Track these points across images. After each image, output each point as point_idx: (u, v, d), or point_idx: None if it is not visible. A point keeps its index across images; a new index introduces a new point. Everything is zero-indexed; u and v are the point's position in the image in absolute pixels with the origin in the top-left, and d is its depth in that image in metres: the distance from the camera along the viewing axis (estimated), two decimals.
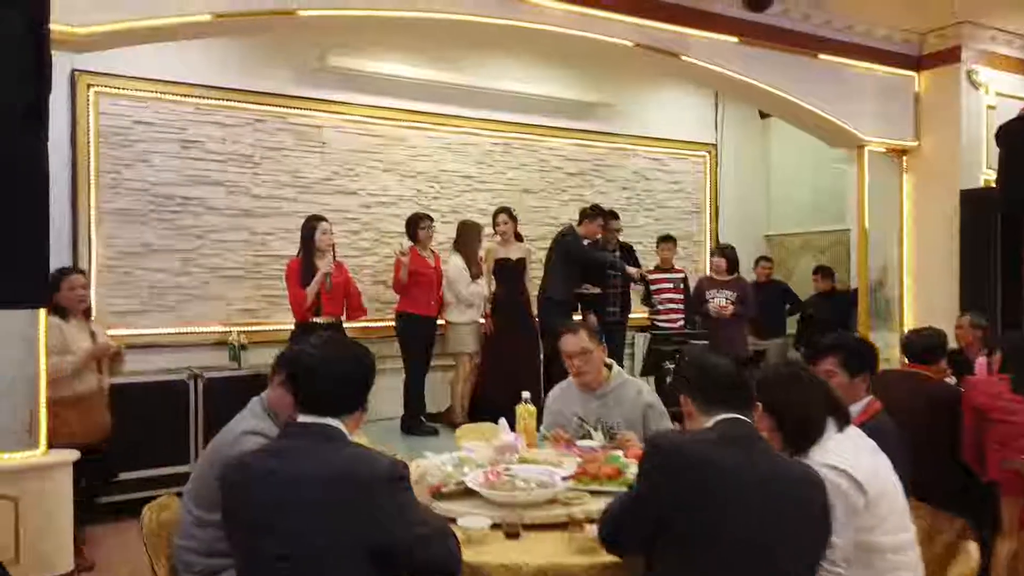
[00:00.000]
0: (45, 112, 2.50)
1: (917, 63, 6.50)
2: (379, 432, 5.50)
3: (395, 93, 6.01)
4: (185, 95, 5.29)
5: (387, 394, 5.56)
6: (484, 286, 5.67)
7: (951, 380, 3.89)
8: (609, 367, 3.25)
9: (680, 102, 7.53)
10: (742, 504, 1.78)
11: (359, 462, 1.71)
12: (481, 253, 5.72)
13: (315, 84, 5.72)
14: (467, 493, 2.34)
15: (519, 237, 5.91)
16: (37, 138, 2.46)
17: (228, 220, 5.44)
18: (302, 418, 1.79)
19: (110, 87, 5.05)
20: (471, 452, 2.78)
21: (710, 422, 1.93)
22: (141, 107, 5.16)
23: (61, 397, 3.58)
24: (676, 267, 6.51)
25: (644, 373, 5.29)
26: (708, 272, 6.56)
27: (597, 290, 5.89)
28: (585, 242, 6.05)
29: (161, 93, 5.22)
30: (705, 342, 4.97)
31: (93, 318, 4.07)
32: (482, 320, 5.71)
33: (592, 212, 6.01)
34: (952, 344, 4.33)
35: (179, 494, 2.45)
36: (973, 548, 2.16)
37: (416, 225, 5.47)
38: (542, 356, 5.80)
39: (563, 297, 5.79)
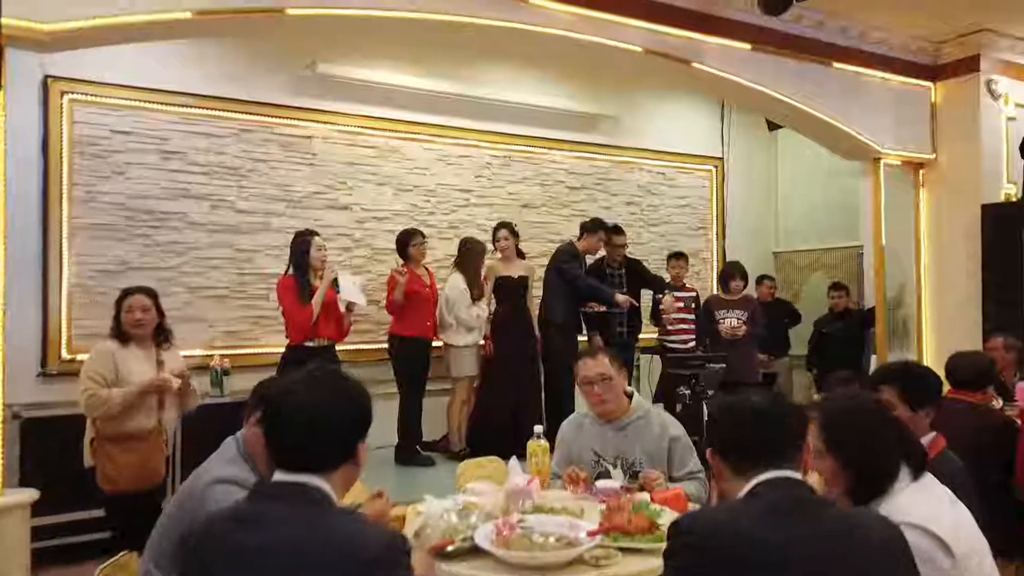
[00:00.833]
0: None
1: (933, 73, 6.25)
2: (372, 463, 5.12)
3: (389, 103, 5.71)
4: (167, 103, 4.98)
5: (380, 421, 5.17)
6: (485, 308, 5.34)
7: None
8: (629, 396, 2.92)
9: (686, 115, 7.27)
10: None
11: (348, 538, 1.36)
12: (482, 272, 5.40)
13: (305, 92, 5.42)
14: (476, 551, 2.00)
15: (521, 254, 5.60)
16: None
17: (211, 236, 5.11)
18: (278, 475, 1.44)
19: (86, 94, 4.73)
20: (477, 496, 2.44)
21: (749, 485, 1.52)
22: (119, 116, 4.84)
23: (109, 435, 3.11)
24: (687, 285, 6.19)
25: (657, 399, 4.96)
26: (716, 291, 6.26)
27: (603, 308, 5.55)
28: (588, 258, 5.74)
29: (141, 101, 4.90)
30: (723, 365, 4.65)
31: (169, 345, 3.37)
32: (482, 342, 5.37)
33: (592, 225, 5.69)
34: None
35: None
36: None
37: (407, 242, 5.13)
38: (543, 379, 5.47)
39: (564, 319, 5.46)
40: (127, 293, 3.29)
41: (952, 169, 6.20)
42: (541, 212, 6.50)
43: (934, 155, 6.28)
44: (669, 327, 5.96)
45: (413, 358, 5.04)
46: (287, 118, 5.35)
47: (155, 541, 2.03)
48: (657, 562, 1.67)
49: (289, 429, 1.46)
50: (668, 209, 7.21)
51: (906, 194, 6.33)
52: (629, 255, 6.11)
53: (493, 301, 5.48)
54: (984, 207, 5.92)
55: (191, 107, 5.04)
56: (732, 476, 1.57)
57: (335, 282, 4.28)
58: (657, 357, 6.03)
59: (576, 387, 3.01)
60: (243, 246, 5.19)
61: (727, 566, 1.42)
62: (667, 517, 2.12)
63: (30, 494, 3.21)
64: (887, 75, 6.04)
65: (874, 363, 6.25)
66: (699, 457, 2.82)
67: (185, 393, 3.35)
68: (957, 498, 1.90)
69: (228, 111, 5.15)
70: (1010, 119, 6.12)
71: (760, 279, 7.03)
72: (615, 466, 2.84)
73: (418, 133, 5.87)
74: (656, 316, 6.01)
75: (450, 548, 1.99)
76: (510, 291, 5.40)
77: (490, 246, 5.51)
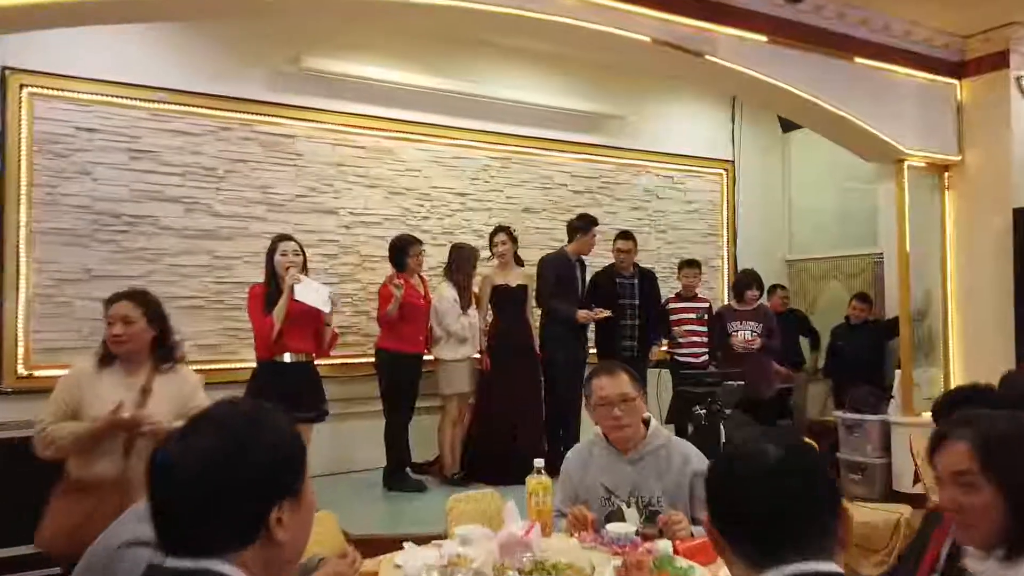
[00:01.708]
0: None
1: (959, 69, 5.88)
2: (358, 487, 4.76)
3: (380, 100, 5.33)
4: (138, 99, 4.61)
5: (367, 442, 4.83)
6: (477, 317, 4.93)
7: None
8: (646, 422, 2.53)
9: (695, 115, 6.89)
10: None
11: None
12: (476, 280, 5.01)
13: (288, 88, 5.04)
14: None
15: (520, 261, 5.20)
16: None
17: (186, 242, 4.73)
18: (170, 562, 1.04)
19: (48, 88, 4.37)
20: (465, 547, 2.05)
21: None
22: (85, 112, 4.47)
23: (64, 480, 2.53)
24: (700, 296, 5.80)
25: (669, 420, 4.56)
26: (728, 301, 5.87)
27: (607, 313, 5.12)
28: (591, 263, 5.34)
29: (109, 96, 4.53)
30: (741, 382, 4.25)
31: (171, 367, 2.65)
32: (477, 356, 4.97)
33: (582, 224, 5.22)
34: None
35: None
36: None
37: (405, 251, 4.73)
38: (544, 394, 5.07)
39: (567, 315, 5.05)
40: (109, 300, 2.63)
41: (980, 171, 5.82)
42: (542, 217, 6.12)
43: (960, 156, 5.90)
44: (680, 339, 5.57)
45: (403, 374, 4.65)
46: (269, 115, 4.98)
47: None
48: None
49: (166, 495, 1.05)
50: (676, 215, 6.82)
51: (929, 198, 5.95)
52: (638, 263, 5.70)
53: (490, 312, 5.09)
54: (1016, 211, 5.54)
55: (164, 103, 4.67)
56: (744, 568, 1.13)
57: (293, 290, 3.86)
58: (666, 372, 5.63)
59: (584, 408, 2.60)
60: (220, 253, 4.81)
61: None
62: None
63: None
64: (911, 71, 5.66)
65: (897, 377, 5.86)
66: None
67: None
68: None
69: (204, 107, 4.78)
70: None
71: (772, 288, 6.66)
72: (629, 504, 2.45)
73: (411, 133, 5.49)
74: (667, 330, 5.60)
75: None
76: (508, 301, 5.00)
77: (484, 252, 5.11)
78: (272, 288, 3.93)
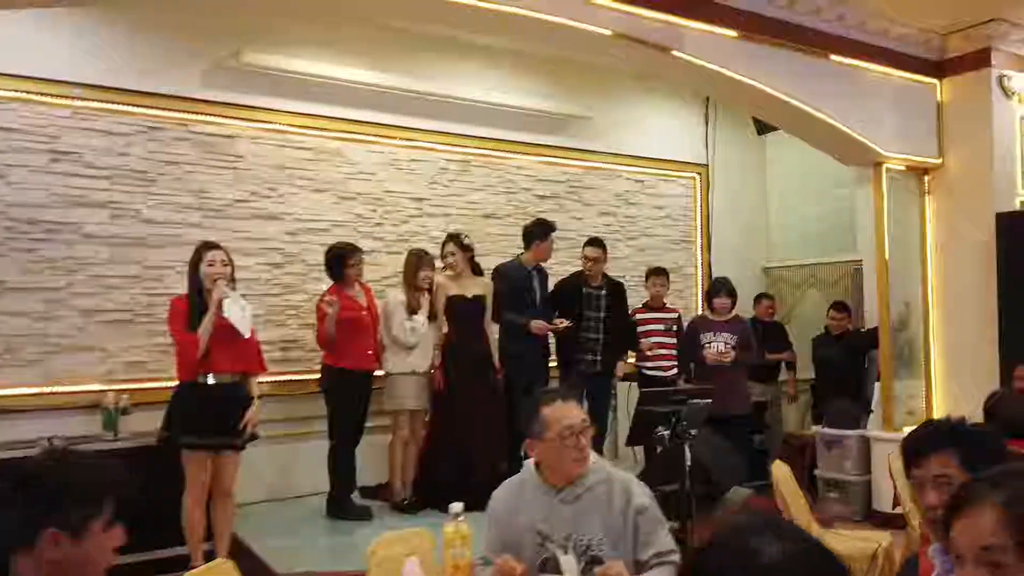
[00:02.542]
0: None
1: (939, 68, 5.63)
2: (298, 516, 4.41)
3: (328, 98, 5.01)
4: (59, 95, 4.27)
5: (313, 465, 4.48)
6: (428, 326, 4.56)
7: None
8: None
9: (667, 116, 6.61)
10: None
11: None
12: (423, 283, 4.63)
13: (228, 86, 4.71)
14: None
15: (478, 270, 4.88)
16: None
17: (112, 251, 4.38)
18: None
19: None
20: None
21: None
22: None
23: None
24: (668, 306, 5.50)
25: (632, 442, 4.24)
26: (702, 310, 5.58)
27: (566, 323, 4.80)
28: (551, 269, 5.03)
29: (26, 92, 4.19)
30: (708, 400, 3.93)
31: None
32: (422, 369, 4.59)
33: (538, 230, 4.90)
34: None
35: None
36: None
37: (343, 261, 4.39)
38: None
39: (520, 327, 4.74)
40: None
41: (961, 175, 5.57)
42: (506, 223, 5.79)
43: (941, 159, 5.65)
44: (648, 352, 5.26)
45: (348, 393, 4.31)
46: (206, 114, 4.64)
47: None
48: None
49: None
50: (648, 220, 6.54)
51: (909, 202, 5.69)
52: (608, 272, 5.39)
53: (446, 325, 4.76)
54: (999, 216, 5.29)
55: (88, 100, 4.33)
56: None
57: (220, 304, 3.50)
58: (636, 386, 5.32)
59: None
60: (151, 262, 4.46)
61: None
62: None
63: None
64: (889, 70, 5.41)
65: (877, 391, 5.59)
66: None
67: None
68: None
69: (133, 105, 4.44)
70: None
71: (758, 298, 6.40)
72: (566, 550, 2.14)
73: (362, 133, 5.17)
74: (636, 344, 5.30)
75: None
76: (463, 312, 4.67)
77: (438, 262, 4.79)
78: (197, 301, 3.58)
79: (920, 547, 2.07)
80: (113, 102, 4.38)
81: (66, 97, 4.27)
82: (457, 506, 2.06)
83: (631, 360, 5.34)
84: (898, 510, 3.91)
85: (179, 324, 3.55)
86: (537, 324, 4.70)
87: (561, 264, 5.53)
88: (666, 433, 3.67)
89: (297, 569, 3.63)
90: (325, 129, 5.03)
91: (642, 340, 5.26)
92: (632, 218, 6.44)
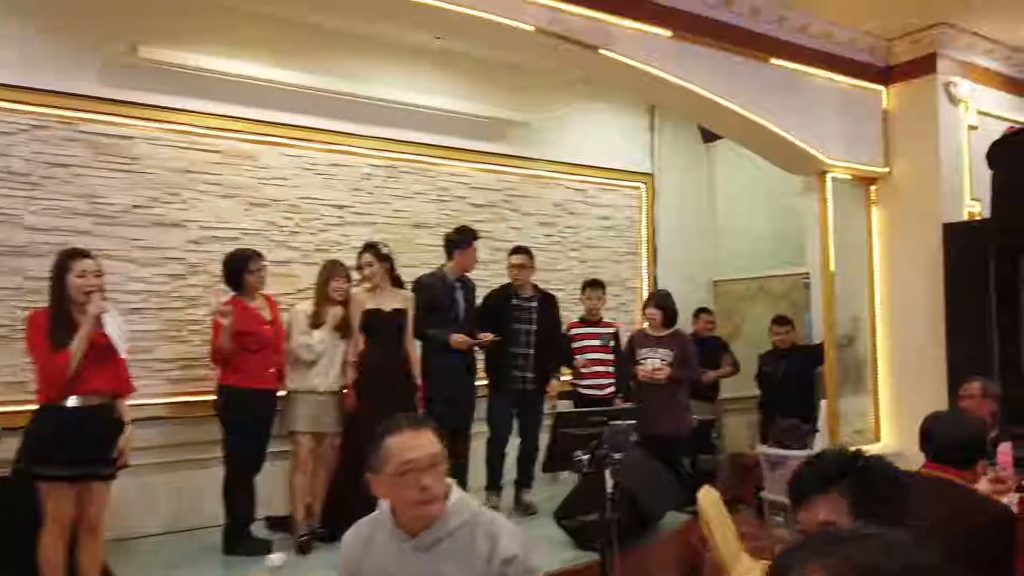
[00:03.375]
0: None
1: (884, 75, 5.46)
2: (194, 551, 4.03)
3: (238, 98, 4.67)
4: None
5: (216, 494, 4.08)
6: (323, 340, 4.17)
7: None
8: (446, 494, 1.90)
9: (609, 123, 6.36)
10: None
11: None
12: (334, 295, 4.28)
13: (124, 83, 4.35)
14: None
15: (398, 282, 4.55)
16: None
17: None
18: None
19: None
20: None
21: None
22: None
23: None
24: (606, 320, 5.22)
25: (549, 468, 3.94)
26: (643, 326, 5.30)
27: (492, 337, 4.51)
28: (479, 279, 4.73)
29: None
30: (632, 421, 3.64)
31: None
32: (324, 388, 4.18)
33: (460, 238, 4.59)
34: None
35: None
36: None
37: (242, 267, 4.04)
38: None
39: (440, 341, 4.44)
40: None
41: (908, 184, 5.40)
42: (437, 233, 5.43)
43: (887, 168, 5.48)
44: (583, 370, 4.97)
45: (245, 415, 3.94)
46: (97, 113, 4.27)
47: None
48: None
49: None
50: (590, 231, 6.27)
51: (855, 213, 5.50)
52: (545, 286, 5.09)
53: (361, 341, 4.41)
54: (946, 227, 5.11)
55: None
56: None
57: (100, 320, 3.14)
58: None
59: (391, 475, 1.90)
60: (34, 273, 4.05)
61: None
62: None
63: None
64: (832, 75, 5.23)
65: (823, 408, 5.37)
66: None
67: None
68: None
69: (14, 102, 4.06)
70: (972, 128, 5.35)
71: (697, 312, 6.15)
72: None
73: (276, 136, 4.83)
74: (570, 360, 5.01)
75: None
76: (381, 327, 4.32)
77: (356, 274, 4.44)
78: (61, 315, 3.21)
79: None
80: None
81: None
82: (276, 558, 1.72)
83: (566, 378, 5.04)
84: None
85: (41, 341, 3.18)
86: (457, 339, 4.39)
87: (497, 277, 5.23)
88: (585, 458, 3.37)
89: None
90: (235, 130, 4.68)
91: (577, 356, 4.97)
92: (574, 228, 6.17)
